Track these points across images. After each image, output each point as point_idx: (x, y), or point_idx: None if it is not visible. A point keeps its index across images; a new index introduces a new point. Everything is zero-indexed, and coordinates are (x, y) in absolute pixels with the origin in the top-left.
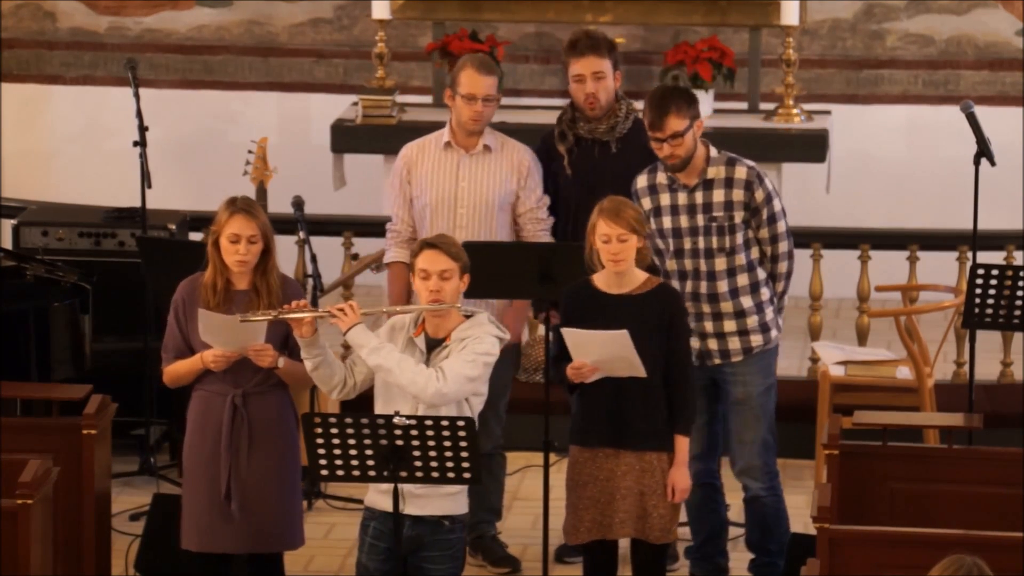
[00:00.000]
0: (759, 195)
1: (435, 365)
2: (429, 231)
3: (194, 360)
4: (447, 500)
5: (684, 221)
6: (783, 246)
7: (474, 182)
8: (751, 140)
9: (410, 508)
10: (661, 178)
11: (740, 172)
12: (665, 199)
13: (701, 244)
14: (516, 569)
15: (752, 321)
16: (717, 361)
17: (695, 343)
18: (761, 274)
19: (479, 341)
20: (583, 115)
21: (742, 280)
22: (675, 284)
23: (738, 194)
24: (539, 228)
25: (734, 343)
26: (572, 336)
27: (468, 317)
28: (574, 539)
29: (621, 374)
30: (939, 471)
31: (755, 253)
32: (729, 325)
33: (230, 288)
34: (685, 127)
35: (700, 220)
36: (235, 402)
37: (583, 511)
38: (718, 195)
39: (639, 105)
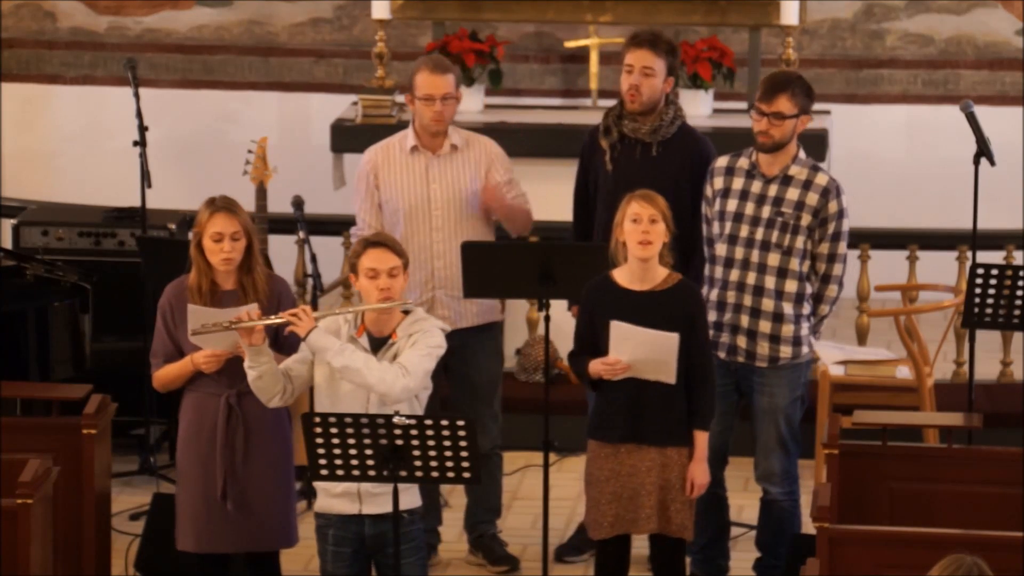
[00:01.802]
0: (832, 207)
1: (387, 361)
2: (404, 236)
3: (184, 363)
4: (404, 495)
5: (749, 209)
6: (838, 269)
7: (445, 183)
8: (751, 140)
9: (368, 507)
10: (743, 163)
11: (821, 179)
12: (738, 183)
13: (759, 236)
14: (515, 568)
15: (787, 330)
16: (741, 359)
17: (724, 336)
18: (808, 288)
19: (428, 335)
20: (628, 111)
21: (790, 286)
22: (719, 271)
23: (812, 198)
24: (512, 193)
25: (763, 348)
26: (619, 329)
27: (406, 313)
28: (597, 534)
29: (650, 376)
30: (939, 471)
31: (807, 266)
32: (764, 326)
33: (216, 289)
34: (792, 113)
35: (766, 212)
36: (230, 401)
37: (605, 506)
38: (792, 193)
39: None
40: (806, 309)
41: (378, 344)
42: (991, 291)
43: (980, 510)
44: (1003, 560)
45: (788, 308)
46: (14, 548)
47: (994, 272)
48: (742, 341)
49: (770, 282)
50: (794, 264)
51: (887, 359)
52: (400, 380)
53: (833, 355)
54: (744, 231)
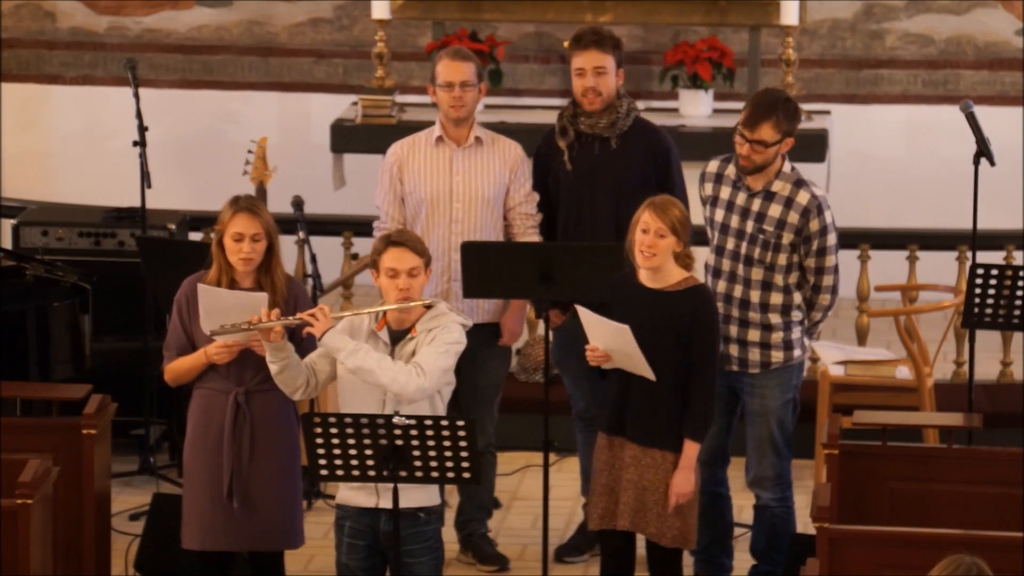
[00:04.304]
0: (814, 225)
1: (402, 357)
2: (425, 227)
3: (197, 355)
4: (421, 492)
5: (735, 221)
6: (828, 280)
7: (468, 176)
8: None
9: (385, 502)
10: (731, 171)
11: (802, 197)
12: (725, 192)
13: (743, 250)
14: (504, 567)
15: (777, 337)
16: (734, 368)
17: None
18: (797, 298)
19: (447, 331)
20: (583, 110)
21: (775, 299)
22: (709, 280)
23: (793, 217)
24: (528, 225)
25: (754, 354)
26: (584, 316)
27: (428, 307)
28: (591, 524)
29: (629, 368)
30: (939, 471)
31: (794, 278)
32: (753, 335)
33: (235, 287)
34: (774, 140)
35: (749, 227)
36: (237, 400)
37: (596, 498)
38: (774, 210)
39: (641, 104)
40: (796, 316)
41: (398, 337)
42: (991, 291)
43: (980, 510)
44: (1003, 560)
45: (775, 319)
46: (14, 548)
47: (994, 272)
48: (733, 349)
49: (755, 296)
50: (778, 279)
51: (887, 359)
52: (414, 380)
53: (833, 355)
54: (730, 244)
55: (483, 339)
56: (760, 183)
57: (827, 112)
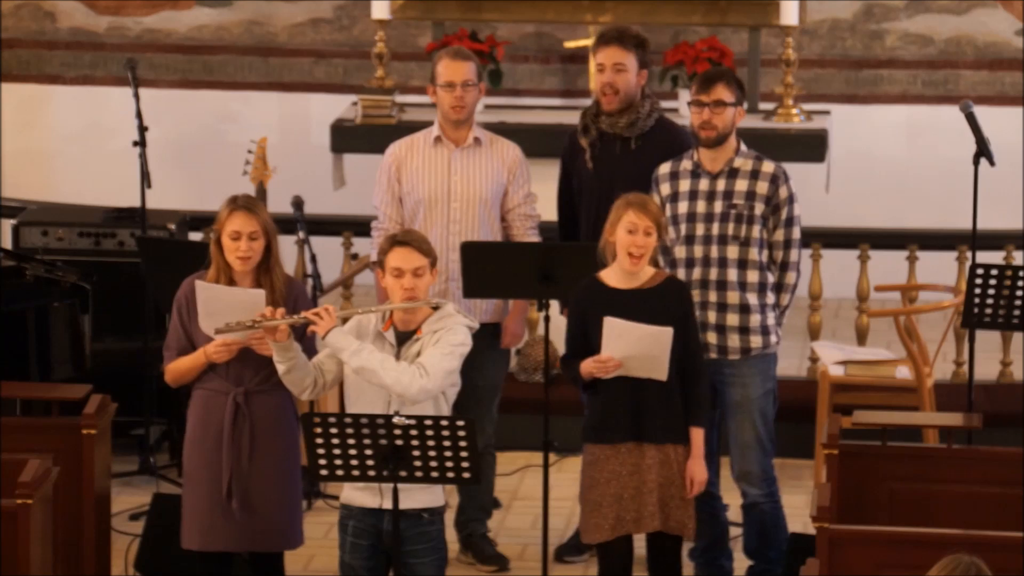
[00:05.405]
0: (783, 192)
1: (408, 358)
2: (422, 227)
3: (196, 355)
4: (425, 493)
5: (701, 207)
6: (794, 255)
7: (466, 176)
8: (751, 140)
9: (389, 502)
10: (686, 164)
11: (767, 167)
12: (684, 185)
13: (715, 231)
14: (504, 567)
15: (755, 320)
16: (713, 355)
17: None
18: (770, 277)
19: (452, 332)
20: (604, 109)
21: (752, 276)
22: (681, 272)
23: (762, 186)
24: (527, 226)
25: (733, 340)
26: (613, 327)
27: (435, 308)
28: (597, 537)
29: (641, 374)
30: (939, 471)
31: (766, 255)
32: (732, 319)
33: (234, 287)
34: (731, 101)
35: (718, 207)
36: (237, 400)
37: (607, 508)
38: (741, 184)
39: (665, 104)
40: (770, 299)
41: (404, 338)
42: (991, 291)
43: (980, 510)
44: (1003, 560)
45: (753, 299)
46: (14, 548)
47: (994, 272)
48: (712, 337)
49: (732, 275)
50: (753, 254)
51: (887, 359)
52: (417, 381)
53: (833, 355)
54: (700, 229)
55: (482, 339)
56: (720, 163)
57: (827, 112)
